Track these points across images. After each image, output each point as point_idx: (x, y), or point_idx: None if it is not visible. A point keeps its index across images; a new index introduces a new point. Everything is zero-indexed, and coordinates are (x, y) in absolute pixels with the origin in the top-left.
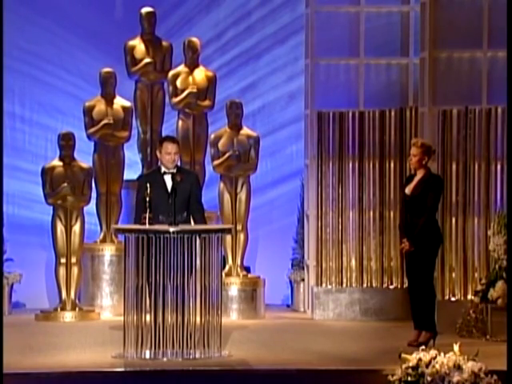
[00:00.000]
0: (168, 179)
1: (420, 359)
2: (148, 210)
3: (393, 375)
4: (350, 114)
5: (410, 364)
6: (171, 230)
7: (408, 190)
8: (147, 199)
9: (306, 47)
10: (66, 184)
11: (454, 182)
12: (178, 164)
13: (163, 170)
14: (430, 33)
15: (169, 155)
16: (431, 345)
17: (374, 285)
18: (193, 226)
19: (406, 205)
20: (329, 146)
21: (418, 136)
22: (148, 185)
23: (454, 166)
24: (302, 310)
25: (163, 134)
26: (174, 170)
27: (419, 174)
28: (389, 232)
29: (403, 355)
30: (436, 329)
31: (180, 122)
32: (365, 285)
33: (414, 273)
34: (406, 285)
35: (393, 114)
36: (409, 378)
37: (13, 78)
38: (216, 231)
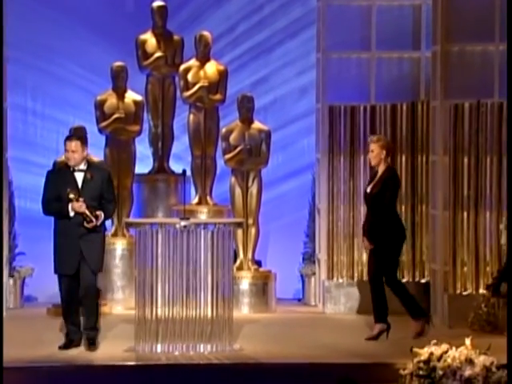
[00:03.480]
0: (79, 176)
1: (432, 353)
2: (73, 192)
3: (404, 369)
4: (362, 108)
5: (422, 358)
6: (182, 223)
7: (369, 188)
8: (68, 193)
9: (317, 41)
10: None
11: (466, 176)
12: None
13: (70, 166)
14: (442, 26)
15: (67, 153)
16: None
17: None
18: (204, 219)
19: (366, 202)
20: (340, 140)
21: (430, 130)
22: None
23: (465, 160)
24: (313, 303)
25: (174, 128)
26: (85, 167)
27: (380, 171)
28: None
29: (415, 349)
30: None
31: (191, 116)
32: None
33: (375, 269)
34: (417, 278)
35: (404, 107)
36: (420, 372)
37: (25, 72)
38: (227, 225)
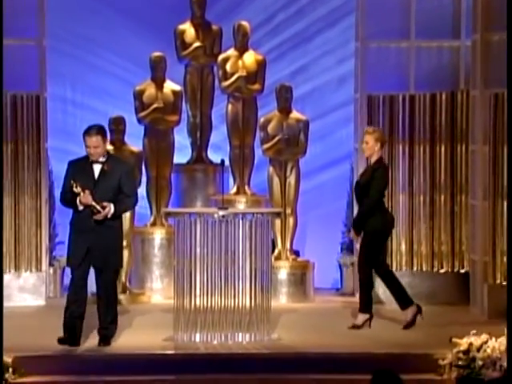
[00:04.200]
0: (97, 168)
1: (471, 344)
2: (76, 185)
3: (443, 359)
4: (401, 98)
5: (461, 348)
6: (220, 213)
7: (360, 179)
8: (73, 186)
9: (356, 30)
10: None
11: (506, 166)
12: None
13: (91, 158)
14: (482, 15)
15: (88, 149)
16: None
17: (424, 269)
18: (242, 209)
19: (356, 193)
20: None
21: (470, 120)
22: (74, 175)
23: (505, 149)
24: (351, 293)
25: (212, 118)
26: (104, 159)
27: (372, 162)
28: (439, 216)
29: (454, 339)
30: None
31: (230, 106)
32: (415, 269)
33: (362, 260)
34: (456, 268)
35: (444, 97)
36: (460, 363)
37: (64, 62)
38: (265, 214)
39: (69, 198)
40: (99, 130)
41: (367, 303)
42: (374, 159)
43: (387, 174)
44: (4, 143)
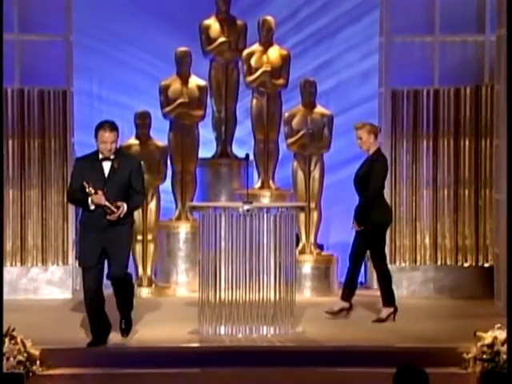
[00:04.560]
0: (106, 165)
1: (495, 337)
2: (88, 185)
3: (468, 353)
4: (425, 92)
5: (486, 342)
6: (245, 207)
7: (359, 171)
8: (86, 187)
9: (380, 25)
10: (142, 162)
11: None
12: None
13: (101, 156)
14: (508, 9)
15: (104, 144)
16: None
17: (448, 263)
18: (266, 203)
19: (355, 185)
20: (403, 123)
21: (494, 114)
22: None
23: None
24: (375, 287)
25: (237, 113)
26: (113, 156)
27: (370, 154)
28: (463, 210)
29: (478, 333)
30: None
31: (254, 101)
32: (439, 263)
33: (358, 251)
34: (480, 262)
35: (468, 91)
36: (484, 356)
37: (90, 58)
38: (290, 209)
39: (79, 198)
40: (114, 125)
41: (389, 297)
42: (371, 151)
43: (386, 165)
44: (31, 138)
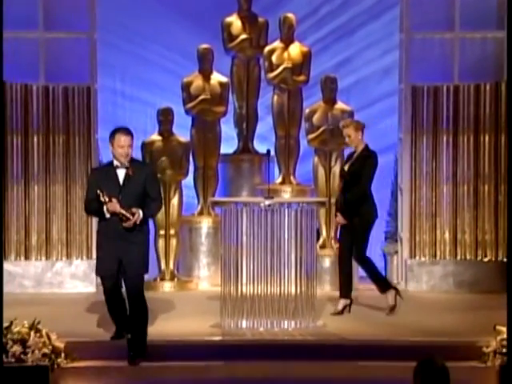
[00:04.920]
0: (121, 173)
1: None
2: (102, 193)
3: (487, 347)
4: (445, 88)
5: (505, 336)
6: (266, 202)
7: (346, 166)
8: (100, 196)
9: (400, 21)
10: (164, 158)
11: None
12: (133, 156)
13: (116, 163)
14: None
15: (122, 148)
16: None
17: (467, 257)
18: (287, 198)
19: (344, 181)
20: (423, 119)
21: None
22: (99, 183)
23: None
24: (395, 282)
25: (258, 109)
26: (127, 164)
27: (358, 150)
28: (483, 205)
29: (498, 327)
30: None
31: (275, 97)
32: (459, 257)
33: (347, 246)
34: (500, 257)
35: (488, 87)
36: (504, 350)
37: (114, 55)
38: (310, 204)
39: (95, 207)
40: (130, 130)
41: (348, 288)
42: (360, 148)
43: (377, 161)
44: (56, 134)
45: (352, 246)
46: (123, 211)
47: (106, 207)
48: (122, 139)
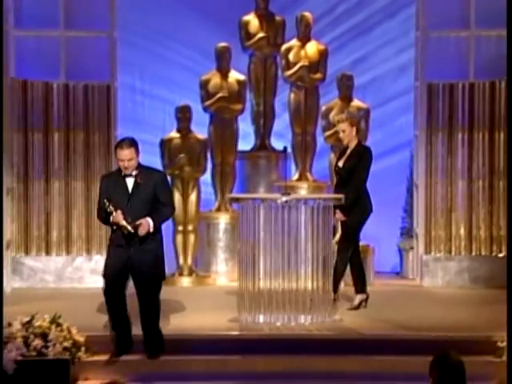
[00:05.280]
0: (130, 181)
1: None
2: (109, 203)
3: (502, 342)
4: (460, 86)
5: None
6: (283, 198)
7: (341, 163)
8: (105, 203)
9: (416, 20)
10: (183, 155)
11: None
12: (141, 164)
13: (124, 172)
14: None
15: (122, 162)
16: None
17: (482, 253)
18: (304, 195)
19: (339, 177)
20: (438, 117)
21: None
22: (108, 189)
23: None
24: (410, 277)
25: (275, 106)
26: (136, 172)
27: (351, 146)
28: (498, 201)
29: None
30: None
31: (292, 95)
32: (474, 253)
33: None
34: None
35: (503, 84)
36: None
37: (133, 53)
38: (327, 200)
39: (103, 216)
40: (131, 142)
41: (363, 283)
42: (354, 144)
43: (372, 157)
44: (76, 131)
45: (356, 239)
46: (125, 224)
47: (111, 218)
48: (121, 153)
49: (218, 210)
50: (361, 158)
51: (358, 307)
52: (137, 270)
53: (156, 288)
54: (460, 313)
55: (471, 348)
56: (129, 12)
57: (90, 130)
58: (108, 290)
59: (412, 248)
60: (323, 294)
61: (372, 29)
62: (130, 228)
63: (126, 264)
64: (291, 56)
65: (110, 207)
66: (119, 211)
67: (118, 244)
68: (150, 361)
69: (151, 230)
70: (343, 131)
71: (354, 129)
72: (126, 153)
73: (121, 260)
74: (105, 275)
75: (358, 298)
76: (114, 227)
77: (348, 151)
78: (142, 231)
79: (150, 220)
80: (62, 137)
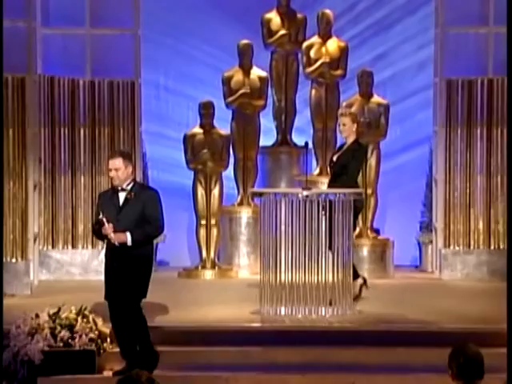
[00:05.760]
0: (122, 196)
1: None
2: (103, 214)
3: None
4: (479, 82)
5: None
6: (304, 193)
7: (335, 157)
8: (100, 213)
9: (435, 17)
10: (206, 150)
11: None
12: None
13: (114, 184)
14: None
15: (110, 171)
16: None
17: (501, 247)
18: (325, 189)
19: (332, 171)
20: (457, 112)
21: None
22: (102, 206)
23: None
24: (429, 270)
25: (297, 102)
26: (128, 187)
27: (348, 142)
28: None
29: None
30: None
31: (313, 91)
32: (492, 247)
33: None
34: None
35: None
36: None
37: (157, 50)
38: (347, 195)
39: (96, 229)
40: (122, 153)
41: (354, 270)
42: (351, 139)
43: (366, 155)
44: (101, 127)
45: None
46: (113, 236)
47: (103, 229)
48: (110, 162)
49: (240, 204)
50: (354, 155)
51: (360, 293)
52: (123, 286)
53: (136, 305)
54: (478, 305)
55: (489, 340)
56: (153, 10)
57: (114, 126)
58: (111, 314)
59: (431, 242)
60: (343, 286)
61: (392, 26)
62: (114, 240)
63: (115, 280)
64: (312, 53)
65: (103, 218)
66: (111, 225)
67: (110, 258)
68: (175, 352)
69: (128, 243)
70: (344, 125)
71: (355, 125)
72: (113, 162)
73: (114, 278)
74: (105, 297)
75: (357, 284)
76: (105, 240)
77: (344, 147)
78: (115, 239)
79: (128, 234)
80: (88, 132)
